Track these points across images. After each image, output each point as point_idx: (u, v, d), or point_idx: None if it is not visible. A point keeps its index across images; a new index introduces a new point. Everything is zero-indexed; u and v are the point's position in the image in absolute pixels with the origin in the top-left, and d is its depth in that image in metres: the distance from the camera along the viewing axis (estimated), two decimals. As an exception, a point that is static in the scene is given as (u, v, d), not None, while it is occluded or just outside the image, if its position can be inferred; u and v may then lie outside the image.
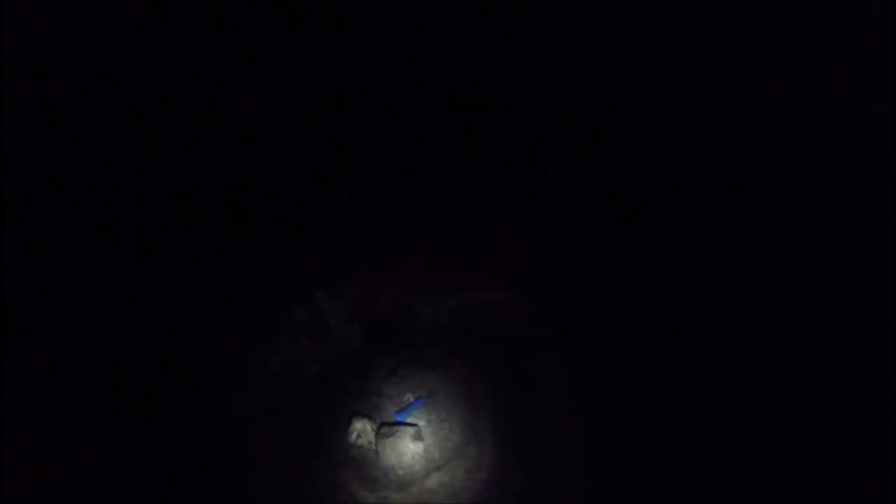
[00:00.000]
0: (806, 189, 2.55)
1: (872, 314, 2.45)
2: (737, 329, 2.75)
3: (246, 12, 2.44)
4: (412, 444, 4.60)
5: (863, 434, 2.45)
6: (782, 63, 2.41)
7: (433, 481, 4.46)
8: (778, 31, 2.36)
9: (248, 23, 2.48)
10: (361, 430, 4.62)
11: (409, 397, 4.83)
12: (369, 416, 4.73)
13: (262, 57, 2.61)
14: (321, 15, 2.51)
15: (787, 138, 2.52)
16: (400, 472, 4.54)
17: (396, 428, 4.64)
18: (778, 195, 2.60)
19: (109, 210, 2.80)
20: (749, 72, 2.46)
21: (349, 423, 4.64)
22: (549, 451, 4.16)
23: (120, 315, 3.12)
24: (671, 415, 2.94)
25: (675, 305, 2.90)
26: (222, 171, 2.98)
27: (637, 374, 3.17)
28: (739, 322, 2.73)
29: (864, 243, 2.48)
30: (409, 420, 4.75)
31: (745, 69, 2.45)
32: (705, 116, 2.57)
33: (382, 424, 4.69)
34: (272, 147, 3.00)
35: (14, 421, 2.49)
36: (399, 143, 3.11)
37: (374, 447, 4.57)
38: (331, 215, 3.66)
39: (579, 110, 2.75)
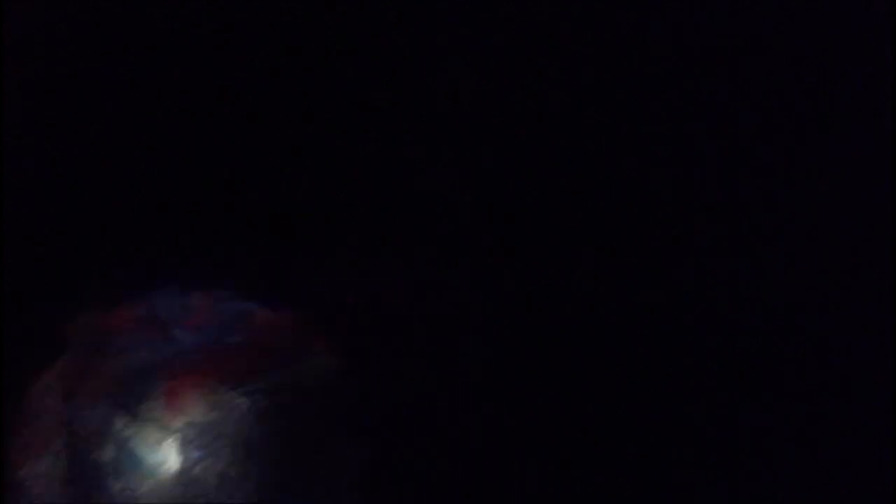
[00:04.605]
0: (805, 189, 2.56)
1: (872, 314, 2.45)
2: (734, 328, 2.75)
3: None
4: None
5: (863, 434, 2.45)
6: (782, 63, 2.43)
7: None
8: (777, 30, 2.38)
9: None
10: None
11: None
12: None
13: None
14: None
15: (787, 138, 2.53)
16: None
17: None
18: (777, 195, 2.61)
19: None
20: (749, 71, 2.47)
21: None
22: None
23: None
24: (668, 417, 2.93)
25: (669, 306, 2.90)
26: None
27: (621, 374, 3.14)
28: (736, 321, 2.73)
29: (864, 243, 2.48)
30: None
31: (744, 69, 2.47)
32: (705, 115, 2.58)
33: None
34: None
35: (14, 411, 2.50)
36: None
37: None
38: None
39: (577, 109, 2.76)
